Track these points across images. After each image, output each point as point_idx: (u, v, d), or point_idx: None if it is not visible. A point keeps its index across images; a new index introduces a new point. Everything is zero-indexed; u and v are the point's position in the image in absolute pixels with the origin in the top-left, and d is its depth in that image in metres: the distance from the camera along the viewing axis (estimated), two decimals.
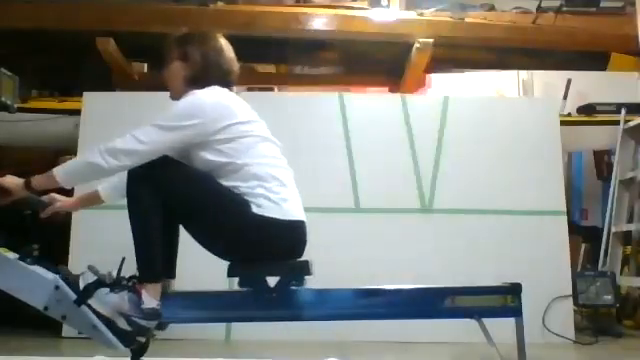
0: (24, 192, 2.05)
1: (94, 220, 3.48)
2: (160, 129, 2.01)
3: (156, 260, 2.00)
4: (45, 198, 2.23)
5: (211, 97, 2.08)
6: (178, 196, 2.00)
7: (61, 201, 2.29)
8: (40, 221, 2.33)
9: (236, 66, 2.26)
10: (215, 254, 2.10)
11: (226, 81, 2.20)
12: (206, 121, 2.02)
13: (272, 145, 2.15)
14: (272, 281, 2.10)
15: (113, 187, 2.26)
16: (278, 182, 2.07)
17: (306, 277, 2.09)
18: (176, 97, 2.16)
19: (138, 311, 1.96)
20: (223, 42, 2.25)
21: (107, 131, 3.63)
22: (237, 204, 2.01)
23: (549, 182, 3.70)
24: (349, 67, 5.31)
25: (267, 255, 2.06)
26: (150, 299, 1.96)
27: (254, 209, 2.00)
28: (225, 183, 2.03)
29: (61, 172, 2.01)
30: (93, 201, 2.35)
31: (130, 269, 2.02)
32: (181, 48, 2.20)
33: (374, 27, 4.60)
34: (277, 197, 2.03)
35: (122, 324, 1.97)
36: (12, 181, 2.05)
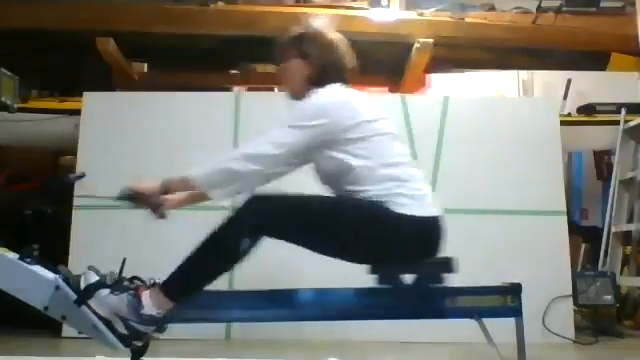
0: (158, 198, 2.07)
1: (94, 220, 3.49)
2: (291, 130, 2.00)
3: (194, 288, 1.98)
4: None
5: (336, 96, 2.07)
6: (300, 232, 1.98)
7: (171, 200, 2.22)
8: (40, 221, 2.33)
9: (353, 61, 2.23)
10: (352, 262, 2.07)
11: (343, 77, 2.18)
12: (334, 121, 2.00)
13: (401, 144, 2.14)
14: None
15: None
16: (415, 179, 2.06)
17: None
18: (296, 96, 2.16)
19: (136, 316, 1.94)
20: (339, 38, 2.23)
21: (107, 131, 3.71)
22: (370, 209, 1.99)
23: (549, 182, 3.69)
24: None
25: (408, 253, 2.04)
26: (152, 307, 1.94)
27: (395, 208, 1.98)
28: (359, 187, 2.01)
29: (199, 177, 2.00)
30: (200, 198, 2.27)
31: (130, 269, 2.02)
32: (299, 46, 2.18)
33: (374, 27, 4.60)
34: (418, 194, 2.02)
35: (119, 327, 1.95)
36: (148, 187, 2.05)
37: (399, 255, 2.04)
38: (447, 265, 2.08)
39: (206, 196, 2.14)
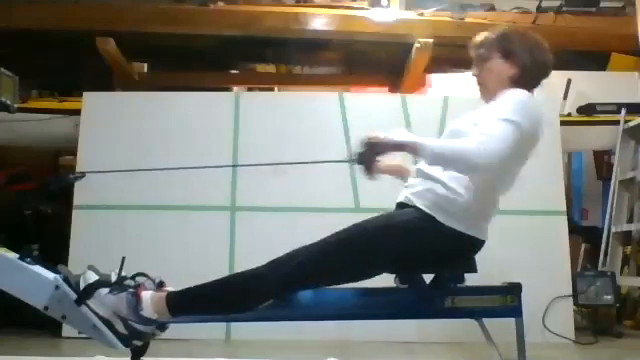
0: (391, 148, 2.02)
1: (94, 220, 3.49)
2: (509, 123, 1.92)
3: (197, 313, 1.99)
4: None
5: (536, 105, 2.04)
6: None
7: (385, 164, 2.20)
8: (40, 221, 2.33)
9: (552, 65, 2.17)
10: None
11: (540, 82, 2.15)
12: (528, 127, 1.96)
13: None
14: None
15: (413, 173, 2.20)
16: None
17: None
18: (489, 97, 2.12)
19: (135, 315, 1.94)
20: (541, 38, 2.17)
21: (107, 131, 3.70)
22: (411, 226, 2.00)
23: (549, 182, 3.69)
24: (349, 67, 5.31)
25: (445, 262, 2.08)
26: (152, 311, 1.94)
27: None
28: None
29: (430, 147, 1.94)
30: (402, 172, 2.33)
31: (130, 268, 2.02)
32: (504, 45, 2.12)
33: (374, 27, 4.60)
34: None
35: (119, 327, 1.95)
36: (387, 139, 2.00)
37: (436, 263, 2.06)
38: (470, 265, 2.09)
39: (406, 176, 2.20)
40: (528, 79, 2.10)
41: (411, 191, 2.10)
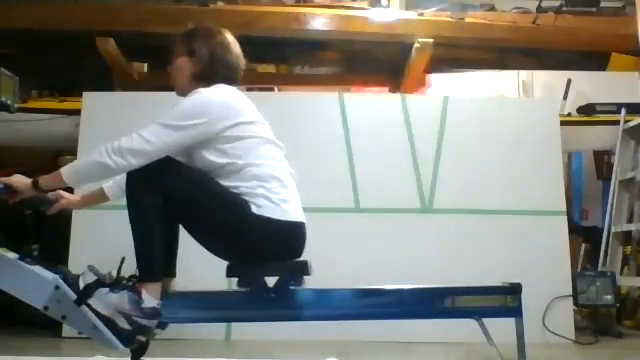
0: (32, 192, 2.05)
1: (94, 220, 3.48)
2: (167, 128, 2.00)
3: (156, 259, 2.00)
4: (51, 195, 2.21)
5: (217, 95, 2.08)
6: (177, 196, 2.00)
7: (67, 198, 2.27)
8: (40, 221, 2.33)
9: (242, 62, 2.24)
10: (215, 254, 2.10)
11: (232, 78, 2.19)
12: (212, 120, 2.02)
13: (274, 147, 2.15)
14: (271, 282, 2.10)
15: (118, 185, 2.24)
16: (279, 183, 2.07)
17: (305, 277, 2.09)
18: (182, 93, 2.16)
19: (138, 310, 1.96)
20: (229, 38, 2.23)
21: (107, 131, 3.66)
22: (236, 204, 2.01)
23: (549, 182, 3.69)
24: (349, 67, 5.31)
25: (266, 255, 2.06)
26: (150, 298, 1.96)
27: (254, 209, 2.00)
28: (225, 183, 2.03)
29: (68, 172, 2.01)
30: (98, 199, 2.34)
31: (130, 269, 2.02)
32: (187, 44, 2.18)
33: (374, 27, 4.60)
34: (277, 198, 2.03)
35: (122, 324, 1.97)
36: (20, 181, 2.04)
37: (252, 255, 2.06)
38: (304, 268, 2.07)
39: (104, 196, 2.25)
40: (211, 76, 2.14)
41: None
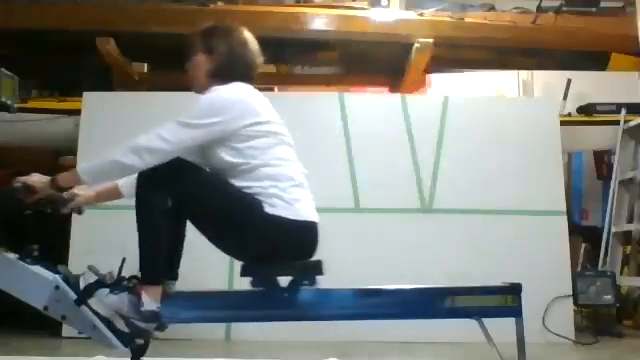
0: (49, 190, 2.04)
1: (94, 220, 3.46)
2: (184, 127, 2.00)
3: (158, 262, 1.99)
4: (66, 194, 2.18)
5: (235, 94, 2.07)
6: (190, 197, 1.99)
7: (82, 195, 2.22)
8: (41, 221, 2.32)
9: (260, 60, 2.23)
10: (228, 253, 2.10)
11: (249, 76, 2.18)
12: (228, 119, 2.01)
13: (289, 148, 2.14)
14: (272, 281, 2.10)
15: (132, 183, 2.20)
16: (293, 183, 2.06)
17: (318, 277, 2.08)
18: (200, 91, 2.15)
19: (137, 313, 1.95)
20: (248, 35, 2.22)
21: (107, 131, 3.70)
22: (248, 204, 2.00)
23: (549, 182, 3.70)
24: (349, 67, 5.31)
25: (279, 255, 2.05)
26: (150, 301, 1.95)
27: (267, 209, 1.99)
28: (238, 184, 2.02)
29: (85, 170, 2.00)
30: (113, 195, 2.30)
31: (130, 269, 2.02)
32: (206, 41, 2.17)
33: (374, 27, 4.60)
34: (290, 197, 2.03)
35: (120, 325, 1.96)
36: (39, 180, 2.03)
37: (265, 254, 2.05)
38: (317, 268, 2.07)
39: (119, 193, 2.21)
40: (229, 74, 2.14)
41: None
